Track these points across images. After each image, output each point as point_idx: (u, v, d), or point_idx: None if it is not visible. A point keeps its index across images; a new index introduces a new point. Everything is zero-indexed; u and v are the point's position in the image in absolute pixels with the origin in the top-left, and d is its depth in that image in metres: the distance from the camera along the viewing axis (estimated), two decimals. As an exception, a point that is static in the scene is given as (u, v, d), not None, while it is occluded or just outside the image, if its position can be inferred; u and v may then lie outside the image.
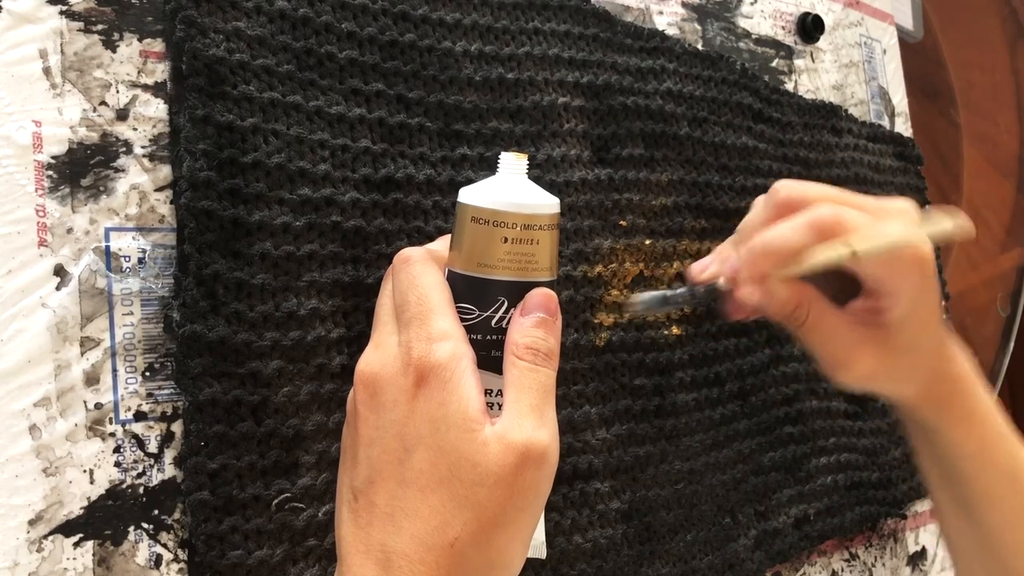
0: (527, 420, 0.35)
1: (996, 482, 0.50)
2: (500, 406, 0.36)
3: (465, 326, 0.37)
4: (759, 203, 0.49)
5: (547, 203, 0.38)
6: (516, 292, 0.38)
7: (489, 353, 0.37)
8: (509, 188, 0.37)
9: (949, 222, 0.44)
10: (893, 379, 0.49)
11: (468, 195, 0.38)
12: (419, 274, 0.38)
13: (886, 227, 0.44)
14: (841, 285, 0.47)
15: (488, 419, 0.35)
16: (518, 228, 0.37)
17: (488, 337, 0.37)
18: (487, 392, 0.36)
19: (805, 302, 0.46)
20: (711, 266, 0.48)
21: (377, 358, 0.37)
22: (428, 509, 0.34)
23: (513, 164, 0.38)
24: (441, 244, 0.41)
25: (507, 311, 0.37)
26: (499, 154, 0.39)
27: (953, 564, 0.56)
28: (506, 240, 0.37)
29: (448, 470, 0.34)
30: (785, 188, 0.47)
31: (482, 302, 0.37)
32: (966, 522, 0.52)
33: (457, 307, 0.37)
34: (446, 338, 0.35)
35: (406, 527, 0.34)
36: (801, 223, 0.44)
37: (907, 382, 0.49)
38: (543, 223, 0.37)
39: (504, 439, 0.34)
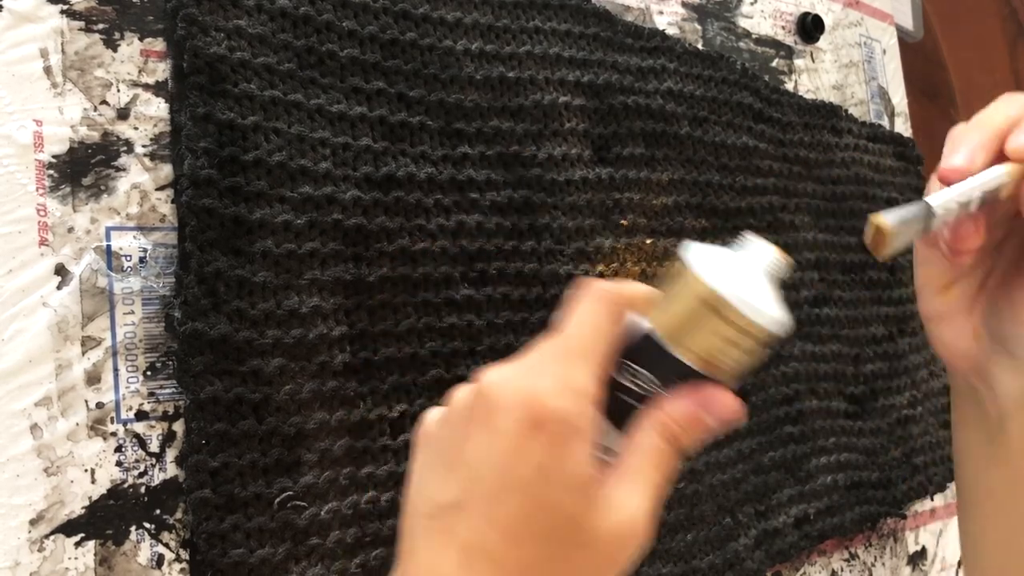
0: (643, 498, 0.33)
1: None
2: (608, 461, 0.34)
3: (623, 381, 0.34)
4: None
5: (780, 320, 0.34)
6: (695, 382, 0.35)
7: (625, 408, 0.35)
8: (753, 285, 0.33)
9: None
10: None
11: (699, 261, 0.33)
12: (592, 313, 0.34)
13: None
14: None
15: (598, 478, 0.33)
16: (734, 327, 0.33)
17: (635, 401, 0.35)
18: (602, 447, 0.34)
19: None
20: (975, 153, 0.37)
21: (508, 377, 0.33)
22: (512, 559, 0.31)
23: (764, 257, 0.34)
24: (636, 287, 0.36)
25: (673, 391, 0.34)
26: (746, 234, 0.35)
27: (964, 554, 0.54)
28: (720, 335, 0.33)
29: (546, 526, 0.31)
30: None
31: (656, 372, 0.34)
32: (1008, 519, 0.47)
33: (628, 364, 0.34)
34: (578, 394, 0.33)
35: (481, 570, 0.31)
36: None
37: None
38: (764, 339, 0.34)
39: (616, 510, 0.32)
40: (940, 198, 0.36)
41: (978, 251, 0.39)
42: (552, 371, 0.33)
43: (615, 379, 0.35)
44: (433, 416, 0.37)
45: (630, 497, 0.33)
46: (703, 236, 0.59)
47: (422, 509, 0.34)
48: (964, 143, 0.38)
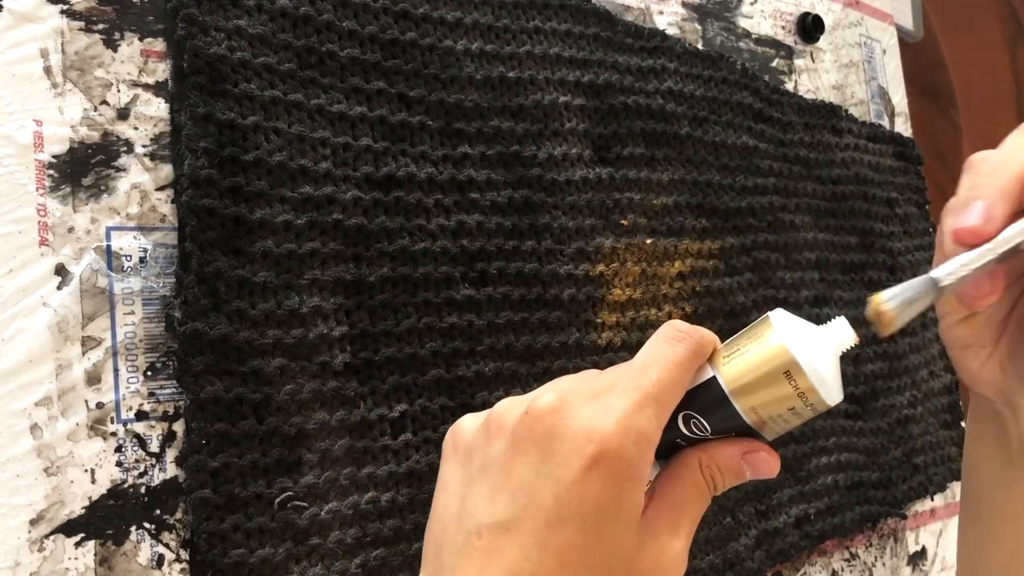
0: (685, 541, 0.34)
1: None
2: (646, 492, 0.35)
3: (678, 427, 0.35)
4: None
5: (838, 394, 0.35)
6: (745, 435, 0.36)
7: (671, 444, 0.36)
8: (826, 359, 0.34)
9: None
10: None
11: (786, 329, 0.35)
12: (678, 364, 0.34)
13: None
14: None
15: (644, 516, 0.33)
16: (801, 398, 0.34)
17: (682, 441, 0.36)
18: None
19: None
20: (995, 210, 0.35)
21: (577, 404, 0.33)
22: None
23: (843, 337, 0.36)
24: (715, 340, 0.37)
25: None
26: (837, 315, 0.36)
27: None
28: (785, 401, 0.34)
29: (600, 559, 0.32)
30: None
31: (713, 422, 0.35)
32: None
33: (692, 414, 0.35)
34: (645, 442, 0.33)
35: None
36: None
37: None
38: (820, 407, 0.35)
39: (664, 552, 0.33)
40: (949, 268, 0.35)
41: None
42: (622, 409, 0.32)
43: (677, 425, 0.35)
44: (471, 425, 0.36)
45: (673, 535, 0.33)
46: (703, 236, 0.59)
47: (465, 526, 0.33)
48: (982, 193, 0.35)
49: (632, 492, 0.32)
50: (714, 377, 0.35)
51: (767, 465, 0.36)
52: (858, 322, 0.38)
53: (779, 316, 0.35)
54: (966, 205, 0.35)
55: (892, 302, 0.35)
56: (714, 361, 0.36)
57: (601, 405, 0.33)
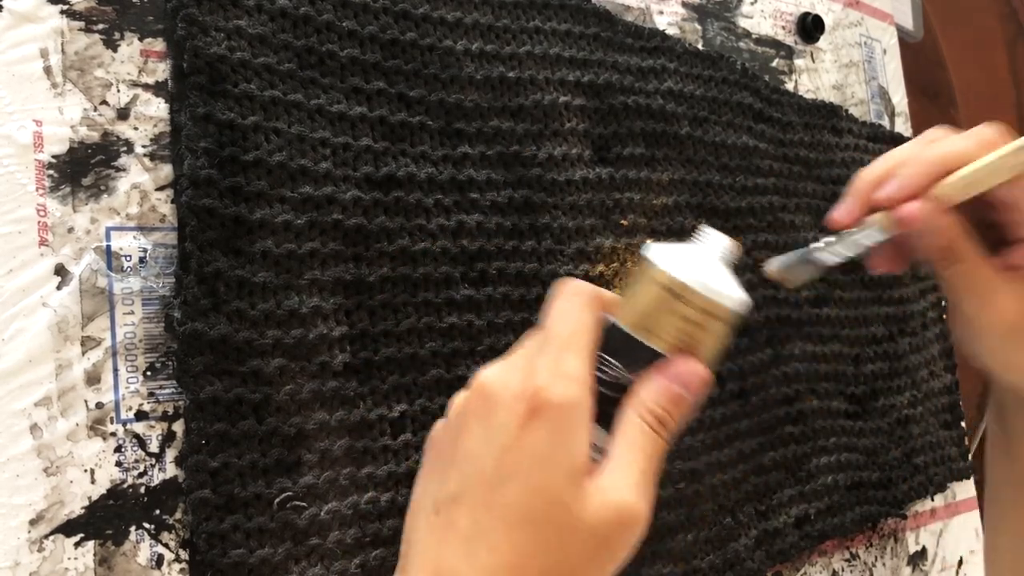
0: (633, 483, 0.34)
1: None
2: (595, 459, 0.35)
3: (599, 377, 0.36)
4: (896, 149, 0.45)
5: (735, 298, 0.36)
6: None
7: (607, 409, 0.36)
8: (703, 266, 0.36)
9: None
10: None
11: (657, 255, 0.36)
12: (576, 308, 0.36)
13: None
14: (986, 240, 0.44)
15: (592, 468, 0.34)
16: (696, 309, 0.35)
17: (615, 395, 0.36)
18: (592, 446, 0.35)
19: (958, 238, 0.42)
20: (849, 205, 0.43)
21: (502, 373, 0.35)
22: (509, 544, 0.32)
23: (716, 244, 0.37)
24: (607, 292, 0.39)
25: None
26: (702, 227, 0.38)
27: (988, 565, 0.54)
28: (679, 315, 0.35)
29: (542, 511, 0.33)
30: (935, 128, 0.44)
31: (628, 363, 0.36)
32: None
33: (601, 356, 0.36)
34: (572, 380, 0.34)
35: (482, 557, 0.32)
36: (963, 135, 0.41)
37: None
38: (722, 315, 0.36)
39: (606, 494, 0.33)
40: (816, 246, 0.44)
41: (901, 259, 0.45)
42: (545, 363, 0.34)
43: (596, 375, 0.36)
44: (438, 425, 0.38)
45: (619, 483, 0.34)
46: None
47: (424, 507, 0.35)
48: (846, 195, 0.45)
49: (570, 436, 0.33)
50: (613, 323, 0.37)
51: (690, 371, 0.36)
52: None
53: (652, 248, 0.37)
54: (841, 199, 0.44)
55: (772, 266, 0.45)
56: (616, 311, 0.37)
57: (526, 368, 0.35)
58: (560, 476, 0.33)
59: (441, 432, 0.37)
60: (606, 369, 0.36)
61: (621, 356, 0.36)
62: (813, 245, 0.44)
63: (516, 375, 0.34)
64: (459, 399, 0.37)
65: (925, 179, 0.41)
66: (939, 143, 0.42)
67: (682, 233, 0.58)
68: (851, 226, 0.43)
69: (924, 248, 0.43)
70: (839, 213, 0.44)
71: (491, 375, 0.35)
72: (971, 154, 0.40)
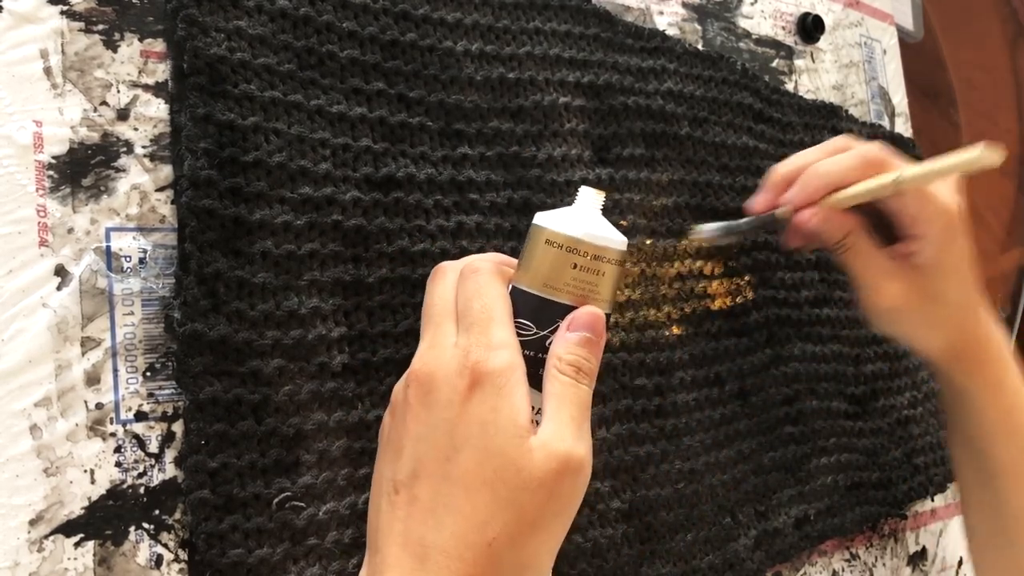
0: (567, 431, 0.37)
1: (1019, 455, 0.54)
2: (539, 422, 0.38)
3: (520, 341, 0.38)
4: (813, 148, 0.54)
5: (618, 239, 0.40)
6: None
7: (536, 371, 0.39)
8: (585, 219, 0.40)
9: (976, 150, 0.46)
10: (921, 324, 0.54)
11: (545, 220, 0.40)
12: (486, 284, 0.39)
13: (924, 165, 0.48)
14: (883, 234, 0.53)
15: (532, 427, 0.36)
16: (588, 257, 0.39)
17: (538, 355, 0.39)
18: (531, 408, 0.38)
19: (853, 231, 0.52)
20: (764, 197, 0.54)
21: (433, 357, 0.38)
22: (470, 507, 0.35)
23: (592, 199, 0.41)
24: (506, 259, 0.43)
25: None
26: (579, 187, 0.42)
27: (969, 548, 0.59)
28: (575, 267, 0.39)
29: (493, 472, 0.35)
30: (840, 137, 0.54)
31: (541, 321, 0.39)
32: (986, 497, 0.55)
33: (516, 322, 0.39)
34: (504, 347, 0.37)
35: (447, 523, 0.35)
36: (853, 154, 0.51)
37: (934, 331, 0.54)
38: (611, 257, 0.40)
39: (547, 447, 0.36)
40: (740, 222, 0.55)
41: (807, 240, 0.53)
42: (475, 340, 0.37)
43: (521, 346, 0.39)
44: (384, 419, 0.41)
45: (555, 434, 0.36)
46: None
47: (384, 490, 0.38)
48: (763, 187, 0.55)
49: (511, 399, 0.36)
50: (520, 288, 0.40)
51: (590, 315, 0.39)
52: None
53: (538, 216, 0.41)
54: (776, 192, 0.54)
55: (698, 235, 0.57)
56: (517, 277, 0.40)
57: (457, 349, 0.37)
58: (507, 438, 0.35)
59: (388, 422, 0.40)
60: (523, 332, 0.39)
61: (533, 317, 0.39)
62: (735, 221, 0.55)
63: (449, 357, 0.37)
64: (399, 391, 0.39)
65: (817, 193, 0.51)
66: (835, 161, 0.51)
67: (681, 234, 0.58)
68: (761, 212, 0.54)
69: (821, 241, 0.52)
70: (756, 203, 0.54)
71: (425, 363, 0.38)
72: (857, 176, 0.50)
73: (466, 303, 0.39)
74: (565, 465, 0.36)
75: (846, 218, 0.51)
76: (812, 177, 0.51)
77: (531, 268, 0.40)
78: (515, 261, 0.42)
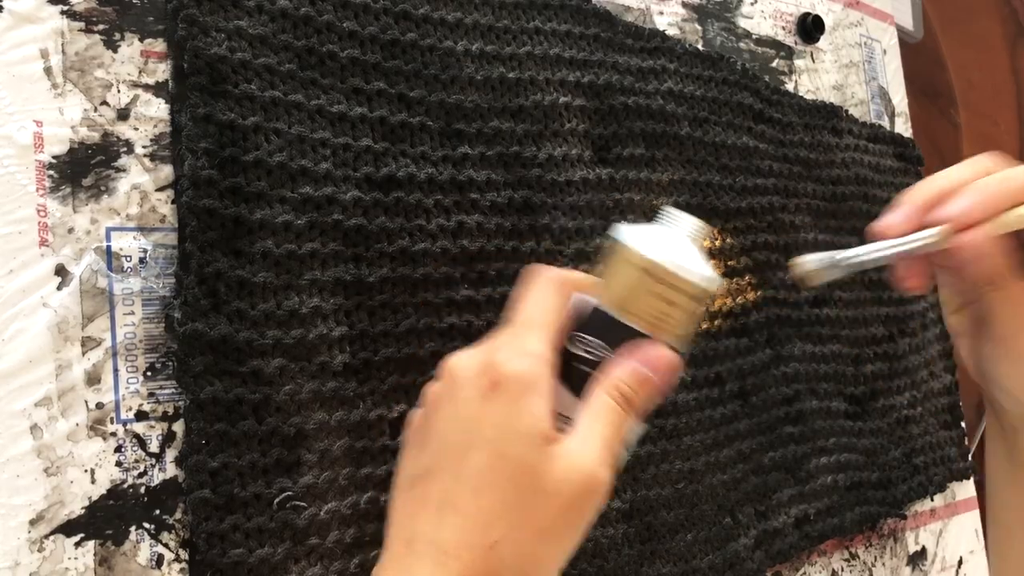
0: (595, 450, 0.36)
1: None
2: (566, 429, 0.37)
3: (578, 352, 0.38)
4: (954, 169, 0.43)
5: (709, 276, 0.38)
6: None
7: (582, 376, 0.38)
8: (679, 248, 0.37)
9: None
10: None
11: (633, 239, 0.38)
12: (540, 292, 0.39)
13: None
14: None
15: (556, 436, 0.36)
16: (673, 289, 0.37)
17: (589, 368, 0.38)
18: (562, 416, 0.37)
19: (1003, 264, 0.42)
20: (905, 215, 0.42)
21: (465, 357, 0.37)
22: (476, 508, 0.34)
23: (693, 229, 0.39)
24: (580, 274, 0.41)
25: None
26: (667, 208, 0.39)
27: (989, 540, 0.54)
28: (652, 293, 0.37)
29: (506, 476, 0.35)
30: (984, 156, 0.43)
31: (608, 340, 0.38)
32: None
33: (579, 335, 0.38)
34: (530, 356, 0.36)
35: (451, 522, 0.34)
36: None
37: None
38: (696, 294, 0.37)
39: (570, 458, 0.35)
40: (851, 253, 0.43)
41: (929, 279, 0.44)
42: (505, 343, 0.37)
43: (570, 351, 0.38)
44: (414, 414, 0.40)
45: (582, 449, 0.36)
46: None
47: (401, 486, 0.38)
48: (901, 202, 0.43)
49: (532, 406, 0.35)
50: (586, 299, 0.38)
51: (661, 358, 0.37)
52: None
53: (623, 230, 0.38)
54: (889, 209, 0.43)
55: (802, 267, 0.43)
56: (595, 291, 0.39)
57: (487, 350, 0.37)
58: (522, 442, 0.35)
59: (416, 418, 0.39)
60: (584, 347, 0.38)
61: (601, 334, 0.38)
62: (854, 251, 0.43)
63: (478, 357, 0.37)
64: (430, 385, 0.39)
65: (992, 209, 0.41)
66: (1011, 176, 0.41)
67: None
68: (901, 235, 0.42)
69: (971, 272, 0.42)
70: (895, 220, 0.42)
71: (456, 359, 0.37)
72: None
73: (517, 307, 0.38)
74: (586, 482, 0.35)
75: (1004, 246, 0.41)
76: (984, 191, 0.41)
77: (610, 286, 0.38)
78: (591, 277, 0.40)
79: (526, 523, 0.34)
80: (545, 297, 0.38)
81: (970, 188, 0.41)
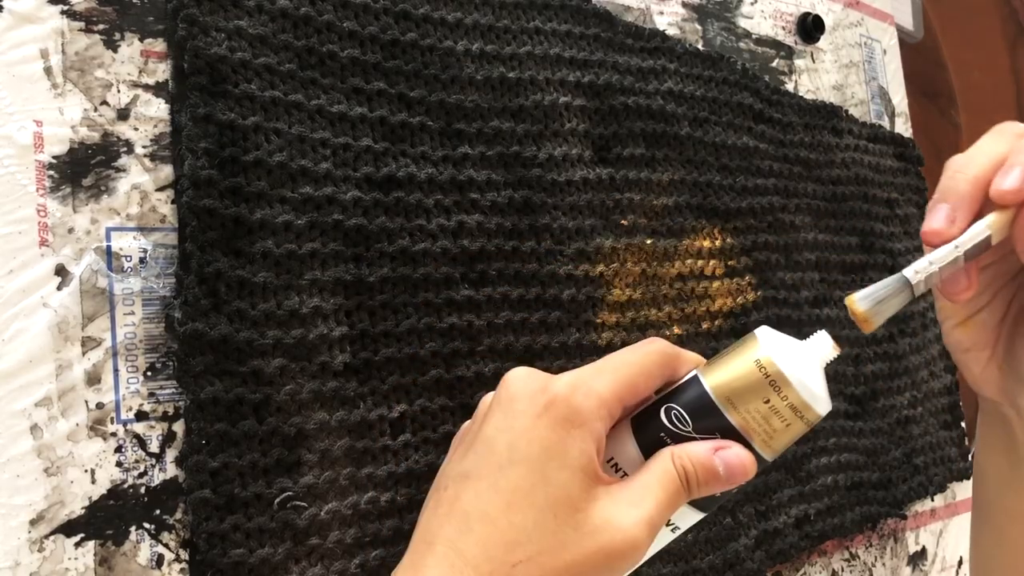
0: (647, 510, 0.35)
1: None
2: (616, 477, 0.36)
3: (663, 419, 0.37)
4: (986, 142, 0.38)
5: (825, 401, 0.37)
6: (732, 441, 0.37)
7: (657, 442, 0.37)
8: (810, 371, 0.37)
9: None
10: None
11: (768, 341, 0.37)
12: (643, 355, 0.37)
13: None
14: None
15: (605, 479, 0.35)
16: (787, 404, 0.36)
17: (668, 438, 0.37)
18: (611, 462, 0.37)
19: None
20: (957, 205, 0.36)
21: (532, 372, 0.37)
22: (507, 523, 0.33)
23: (827, 350, 0.38)
24: (692, 354, 0.40)
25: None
26: (816, 330, 0.38)
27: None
28: (768, 402, 0.36)
29: (545, 499, 0.34)
30: (1009, 123, 0.38)
31: (698, 422, 0.37)
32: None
33: (673, 406, 0.37)
34: (594, 397, 0.35)
35: (477, 531, 0.33)
36: None
37: None
38: (808, 416, 0.37)
39: (616, 507, 0.34)
40: (918, 267, 0.37)
41: (986, 290, 0.40)
42: (576, 375, 0.36)
43: (659, 417, 0.37)
44: (465, 425, 0.40)
45: (631, 506, 0.34)
46: (703, 236, 0.59)
47: (438, 486, 0.37)
48: (948, 196, 0.37)
49: (579, 440, 0.34)
50: (696, 375, 0.37)
51: (740, 462, 0.36)
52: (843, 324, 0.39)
53: (764, 331, 0.38)
54: (934, 207, 0.37)
55: (864, 302, 0.37)
56: (702, 371, 0.38)
57: (557, 376, 0.37)
58: (569, 471, 0.34)
59: (468, 424, 0.39)
60: (671, 417, 0.37)
61: (692, 412, 0.37)
62: (906, 271, 0.37)
63: (541, 376, 0.36)
64: (485, 396, 0.39)
65: None
66: None
67: (681, 234, 0.58)
68: (956, 236, 0.37)
69: None
70: (939, 220, 0.37)
71: (521, 371, 0.37)
72: None
73: (618, 354, 0.38)
74: (624, 540, 0.34)
75: None
76: None
77: (726, 374, 0.37)
78: (698, 356, 0.39)
79: (556, 554, 0.33)
80: (639, 358, 0.37)
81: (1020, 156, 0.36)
